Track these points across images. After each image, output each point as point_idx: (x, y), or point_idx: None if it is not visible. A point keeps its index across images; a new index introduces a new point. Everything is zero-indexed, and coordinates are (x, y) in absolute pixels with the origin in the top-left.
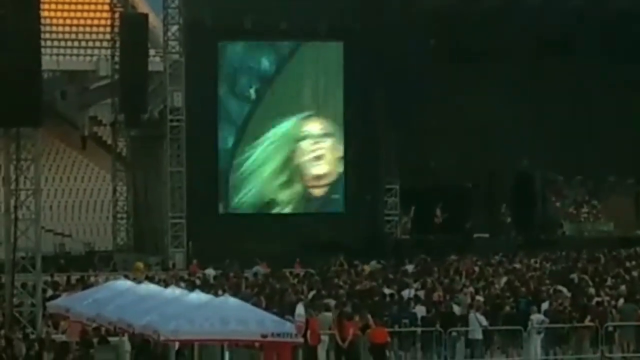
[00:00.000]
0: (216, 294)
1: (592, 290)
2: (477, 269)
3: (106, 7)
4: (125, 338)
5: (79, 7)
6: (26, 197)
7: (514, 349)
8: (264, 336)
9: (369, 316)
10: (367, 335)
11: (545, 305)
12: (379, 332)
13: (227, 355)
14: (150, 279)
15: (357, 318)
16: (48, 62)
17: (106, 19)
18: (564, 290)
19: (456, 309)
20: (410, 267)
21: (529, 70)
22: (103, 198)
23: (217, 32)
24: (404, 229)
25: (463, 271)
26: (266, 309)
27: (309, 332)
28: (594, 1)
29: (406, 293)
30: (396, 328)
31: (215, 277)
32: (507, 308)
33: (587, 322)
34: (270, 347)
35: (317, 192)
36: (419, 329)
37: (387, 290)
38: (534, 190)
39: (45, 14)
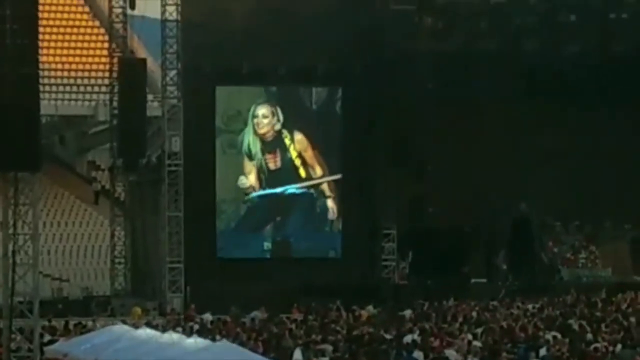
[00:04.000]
0: (214, 339)
1: (589, 336)
2: (474, 314)
3: (105, 52)
4: None
5: (78, 52)
6: (24, 241)
7: None
8: None
9: None
10: None
11: (543, 351)
12: None
13: None
14: (148, 324)
15: None
16: (46, 106)
17: (105, 63)
18: (559, 336)
19: (450, 354)
20: (407, 313)
21: (527, 114)
22: (101, 243)
23: (216, 77)
24: (401, 275)
25: (460, 316)
26: (263, 354)
27: None
28: (591, 47)
29: (408, 338)
30: None
31: (212, 322)
32: (505, 354)
33: None
34: None
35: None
36: None
37: (384, 336)
38: (532, 235)
39: (44, 58)
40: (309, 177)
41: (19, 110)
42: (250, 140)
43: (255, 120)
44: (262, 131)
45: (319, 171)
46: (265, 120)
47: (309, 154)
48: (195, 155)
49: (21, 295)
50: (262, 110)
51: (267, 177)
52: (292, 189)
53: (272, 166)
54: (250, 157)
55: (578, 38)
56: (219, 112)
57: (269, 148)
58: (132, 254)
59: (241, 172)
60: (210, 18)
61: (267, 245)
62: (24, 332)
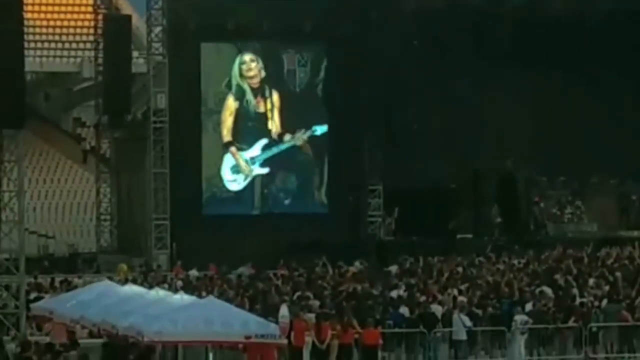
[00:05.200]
0: (200, 296)
1: (575, 291)
2: (460, 269)
3: (89, 9)
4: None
5: (62, 8)
6: (9, 199)
7: (498, 350)
8: (248, 337)
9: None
10: (360, 336)
11: (529, 306)
12: (370, 334)
13: (211, 356)
14: (134, 281)
15: (336, 320)
16: (31, 64)
17: (89, 20)
18: (548, 290)
19: (436, 310)
20: (394, 268)
21: (512, 71)
22: (87, 200)
23: (200, 34)
24: (387, 230)
25: (446, 272)
26: (250, 310)
27: (293, 333)
28: (576, 5)
29: (394, 294)
30: (380, 329)
31: (198, 279)
32: (491, 309)
33: (570, 323)
34: (254, 348)
35: None
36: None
37: (371, 291)
38: (518, 191)
39: (29, 15)
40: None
41: (3, 67)
42: (239, 82)
43: (244, 66)
44: (250, 74)
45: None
46: (253, 64)
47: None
48: (181, 111)
49: (7, 252)
50: (249, 56)
51: (244, 125)
52: (280, 146)
53: (261, 109)
54: (237, 98)
55: None
56: (204, 70)
57: (255, 93)
58: (118, 210)
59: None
60: None
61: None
62: (10, 289)
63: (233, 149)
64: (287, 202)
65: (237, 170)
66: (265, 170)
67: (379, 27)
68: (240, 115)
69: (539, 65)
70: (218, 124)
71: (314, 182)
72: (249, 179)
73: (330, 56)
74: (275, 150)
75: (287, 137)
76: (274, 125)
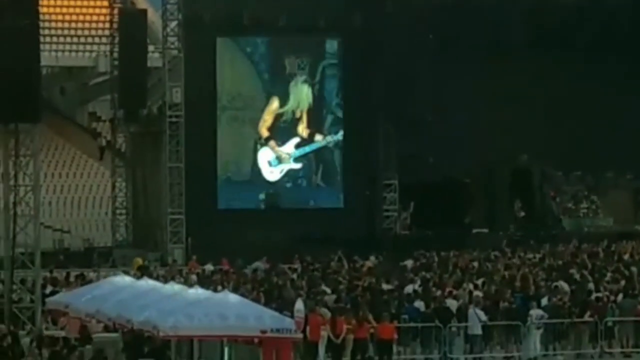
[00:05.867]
0: (215, 290)
1: (591, 286)
2: (476, 264)
3: (105, 3)
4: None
5: (78, 3)
6: (25, 193)
7: (513, 345)
8: (263, 332)
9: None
10: (375, 330)
11: (544, 301)
12: (385, 328)
13: (226, 350)
14: (149, 275)
15: (351, 314)
16: (47, 58)
17: (105, 14)
18: (564, 285)
19: (452, 304)
20: (409, 263)
21: (528, 65)
22: (102, 194)
23: (216, 28)
24: (403, 225)
25: (462, 266)
26: (265, 304)
27: (308, 328)
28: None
29: (409, 288)
30: (396, 323)
31: (213, 273)
32: (506, 303)
33: (586, 318)
34: (269, 343)
35: None
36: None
37: (386, 286)
38: (533, 186)
39: (44, 10)
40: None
41: (19, 61)
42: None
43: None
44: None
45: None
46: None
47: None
48: (196, 106)
49: (22, 247)
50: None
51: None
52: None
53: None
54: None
55: None
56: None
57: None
58: (134, 205)
59: (244, 124)
60: None
61: (261, 196)
62: (25, 283)
63: (272, 143)
64: (306, 198)
65: (278, 162)
66: (299, 166)
67: (393, 21)
68: (278, 115)
69: (554, 59)
70: (252, 120)
71: (333, 177)
72: (284, 171)
73: (345, 50)
74: (307, 149)
75: (318, 137)
76: (302, 126)
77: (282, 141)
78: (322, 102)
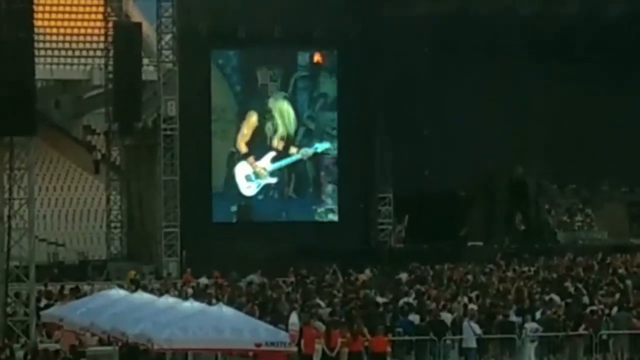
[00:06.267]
0: (210, 303)
1: (586, 299)
2: (470, 277)
3: (100, 17)
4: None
5: (73, 16)
6: (20, 206)
7: (508, 358)
8: (258, 345)
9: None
10: (369, 343)
11: (539, 314)
12: (379, 342)
13: None
14: (144, 288)
15: (346, 327)
16: (42, 71)
17: (100, 28)
18: (557, 298)
19: (446, 317)
20: (404, 276)
21: (523, 76)
22: (97, 207)
23: (211, 41)
24: (397, 238)
25: (457, 279)
26: (260, 317)
27: (303, 341)
28: (588, 9)
29: (404, 301)
30: (390, 337)
31: (207, 286)
32: (501, 317)
33: (581, 331)
34: (264, 356)
35: None
36: (413, 338)
37: (380, 299)
38: (528, 199)
39: (39, 23)
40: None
41: (14, 74)
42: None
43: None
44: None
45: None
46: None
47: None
48: (191, 119)
49: (17, 260)
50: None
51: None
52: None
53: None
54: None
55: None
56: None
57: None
58: (128, 218)
59: (215, 137)
60: None
61: (233, 208)
62: (20, 297)
63: (251, 159)
64: (298, 210)
65: (255, 177)
66: (274, 180)
67: (389, 32)
68: (257, 130)
69: (551, 71)
70: (224, 131)
71: (323, 190)
72: (262, 186)
73: (340, 61)
74: (283, 162)
75: (293, 149)
76: (277, 139)
77: (258, 156)
78: (294, 115)
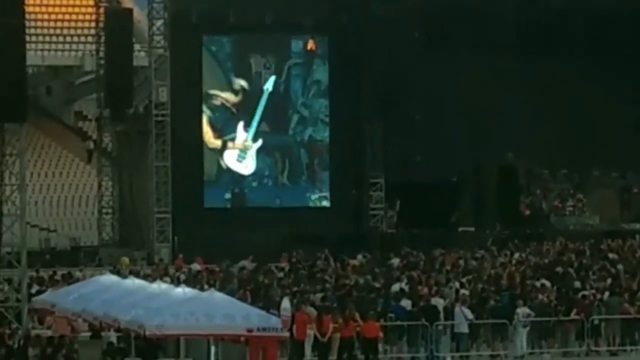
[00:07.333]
0: (202, 289)
1: (577, 284)
2: (462, 262)
3: (91, 2)
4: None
5: (64, 2)
6: (11, 192)
7: (500, 343)
8: (250, 331)
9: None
10: (361, 329)
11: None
12: (370, 327)
13: (212, 349)
14: (136, 274)
15: (338, 313)
16: (33, 57)
17: (91, 14)
18: (548, 283)
19: (438, 303)
20: (395, 261)
21: (513, 64)
22: (88, 193)
23: (202, 27)
24: (389, 223)
25: (448, 265)
26: (252, 303)
27: (294, 327)
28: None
29: (396, 287)
30: (382, 322)
31: (199, 272)
32: (493, 302)
33: (572, 316)
34: (256, 341)
35: None
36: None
37: (373, 284)
38: (519, 184)
39: (30, 9)
40: None
41: (5, 60)
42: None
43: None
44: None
45: None
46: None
47: None
48: (183, 105)
49: (9, 246)
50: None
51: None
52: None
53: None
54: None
55: None
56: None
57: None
58: (120, 204)
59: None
60: None
61: (227, 195)
62: (11, 283)
63: (229, 144)
64: (292, 197)
65: (244, 154)
66: (259, 143)
67: (380, 20)
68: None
69: (541, 59)
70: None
71: (317, 177)
72: (253, 157)
73: (331, 49)
74: (254, 121)
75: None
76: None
77: (232, 137)
78: (288, 102)
